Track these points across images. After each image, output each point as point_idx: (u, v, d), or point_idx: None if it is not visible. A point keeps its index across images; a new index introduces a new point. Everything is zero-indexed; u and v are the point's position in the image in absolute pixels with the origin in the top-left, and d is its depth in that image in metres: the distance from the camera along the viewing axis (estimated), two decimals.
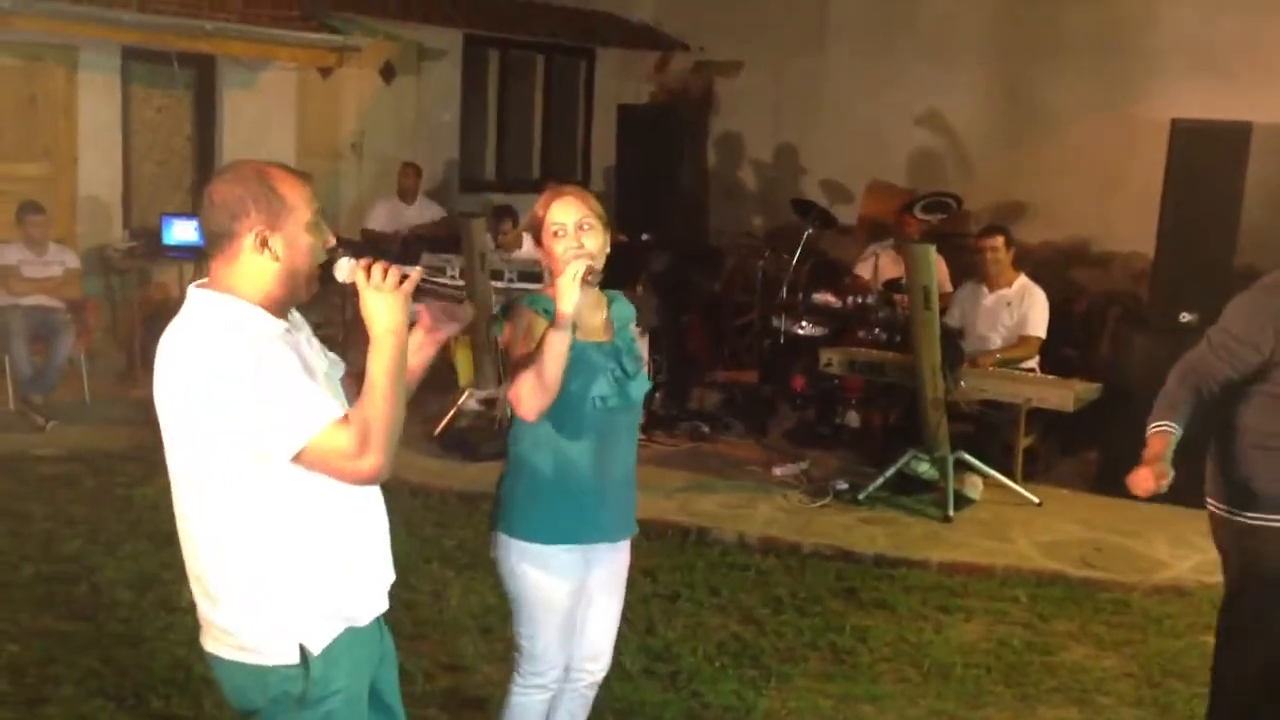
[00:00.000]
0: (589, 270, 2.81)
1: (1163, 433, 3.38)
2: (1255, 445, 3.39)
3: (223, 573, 2.26)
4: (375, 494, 2.42)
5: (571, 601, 3.09)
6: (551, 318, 2.81)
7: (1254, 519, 3.39)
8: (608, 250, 3.03)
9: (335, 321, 8.38)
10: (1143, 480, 3.33)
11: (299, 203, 2.24)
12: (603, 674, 3.29)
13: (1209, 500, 3.53)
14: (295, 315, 2.35)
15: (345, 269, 2.25)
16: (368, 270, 2.21)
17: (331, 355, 2.43)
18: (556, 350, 2.78)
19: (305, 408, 2.13)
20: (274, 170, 2.25)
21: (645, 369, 3.21)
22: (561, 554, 3.04)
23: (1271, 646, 3.41)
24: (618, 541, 3.17)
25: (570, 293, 2.77)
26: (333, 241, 2.31)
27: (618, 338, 3.08)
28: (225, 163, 9.29)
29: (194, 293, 2.26)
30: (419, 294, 2.28)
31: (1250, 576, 3.44)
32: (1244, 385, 3.39)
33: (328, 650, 2.28)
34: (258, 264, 2.22)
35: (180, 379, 2.18)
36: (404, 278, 2.22)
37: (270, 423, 2.12)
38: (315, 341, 2.37)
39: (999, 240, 7.07)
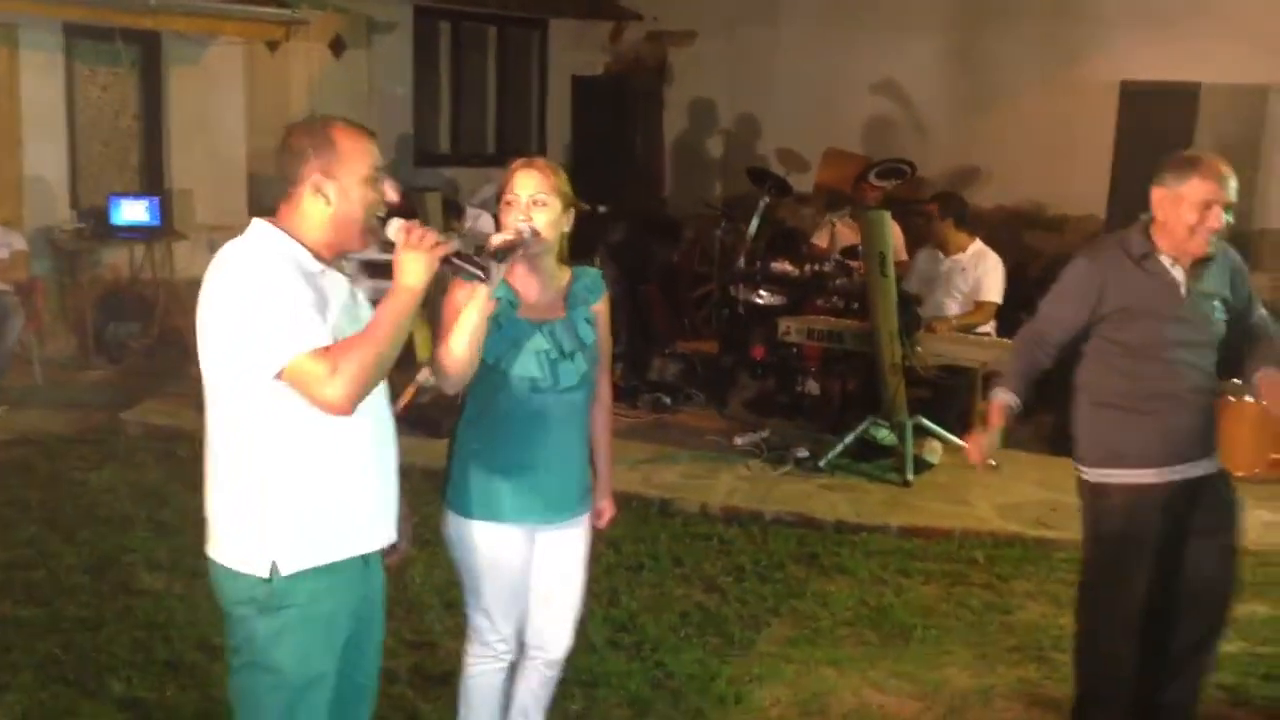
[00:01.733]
0: (507, 244, 2.78)
1: (1001, 403, 3.55)
2: (1094, 402, 3.53)
3: (218, 482, 2.50)
4: (378, 439, 2.56)
5: (512, 577, 3.09)
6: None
7: (1099, 473, 3.51)
8: (566, 228, 3.01)
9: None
10: (974, 450, 3.59)
11: (357, 156, 2.45)
12: (560, 655, 3.27)
13: (1072, 460, 3.64)
14: (349, 266, 2.56)
15: (394, 227, 2.45)
16: (408, 231, 2.41)
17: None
18: (466, 322, 2.74)
19: (294, 330, 2.32)
20: (340, 125, 2.48)
21: (605, 349, 3.17)
22: (495, 528, 3.03)
23: (1126, 596, 3.51)
24: (560, 523, 3.13)
25: (490, 263, 2.72)
26: (393, 197, 2.51)
27: (569, 316, 3.04)
28: (172, 141, 9.22)
29: (255, 221, 2.49)
30: (445, 265, 2.46)
31: (1099, 530, 3.56)
32: (1078, 346, 3.53)
33: (296, 575, 2.45)
34: (314, 208, 2.45)
35: (206, 291, 2.40)
36: (438, 244, 2.41)
37: (261, 337, 2.32)
38: (360, 294, 2.56)
39: (932, 208, 7.16)
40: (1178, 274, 3.43)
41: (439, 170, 10.80)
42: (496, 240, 2.80)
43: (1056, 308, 3.57)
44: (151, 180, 9.26)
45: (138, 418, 6.85)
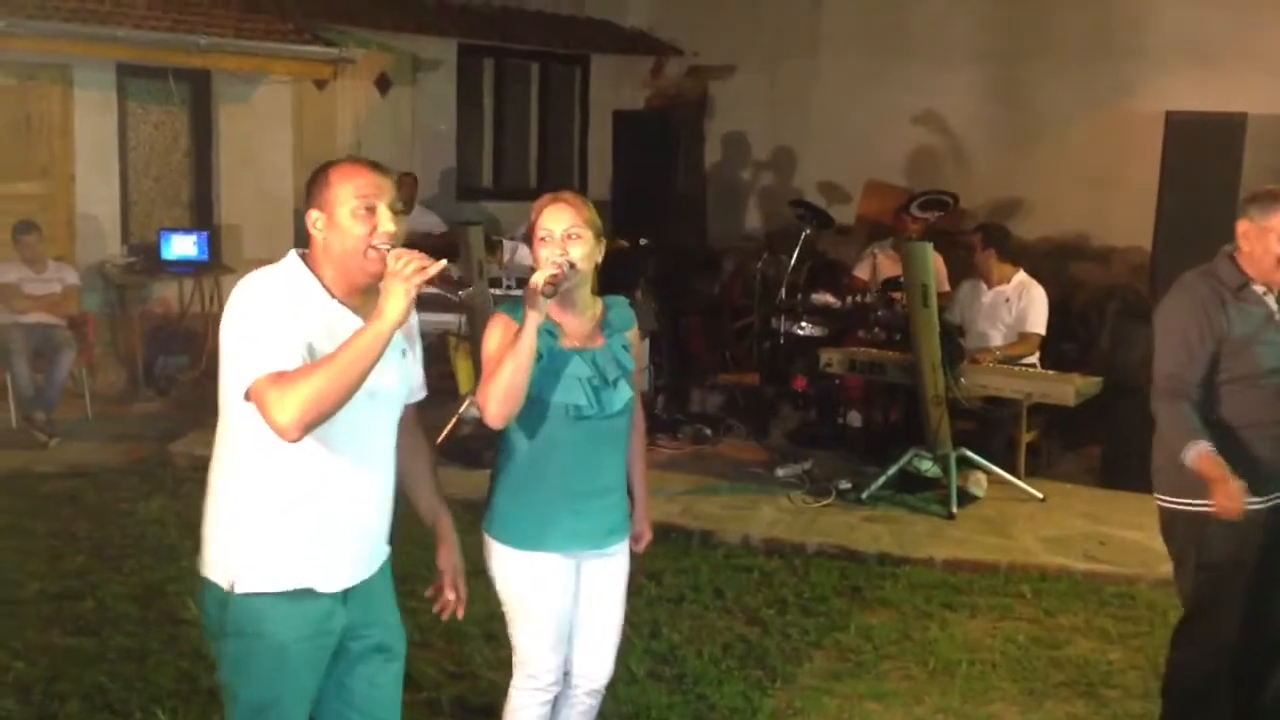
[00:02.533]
0: (552, 279, 2.81)
1: (1206, 453, 3.38)
2: (1211, 435, 3.44)
3: (210, 495, 2.58)
4: (359, 477, 2.55)
5: (559, 607, 3.08)
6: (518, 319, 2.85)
7: (1200, 504, 3.45)
8: (598, 259, 3.03)
9: None
10: (1233, 498, 3.35)
11: (344, 192, 2.48)
12: (603, 683, 3.26)
13: (1156, 496, 3.60)
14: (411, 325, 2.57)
15: (391, 258, 2.43)
16: (396, 258, 2.39)
17: (408, 363, 2.67)
18: (516, 357, 2.81)
19: (265, 353, 2.36)
20: (340, 163, 2.54)
21: (637, 377, 3.18)
22: (544, 560, 3.04)
23: (1227, 625, 3.50)
24: (605, 549, 3.14)
25: (533, 301, 2.79)
26: (387, 228, 2.47)
27: (607, 344, 3.07)
28: (222, 177, 9.38)
29: (290, 253, 2.56)
30: (429, 288, 2.42)
31: (1203, 560, 3.52)
32: (1213, 377, 3.49)
33: (252, 596, 2.49)
34: (316, 242, 2.52)
35: (225, 311, 2.48)
36: (423, 268, 2.36)
37: (242, 358, 2.38)
38: (395, 353, 2.52)
39: (975, 239, 7.12)
40: (1270, 302, 3.51)
41: (481, 204, 10.90)
42: (540, 277, 2.82)
43: (1181, 349, 3.49)
44: (201, 216, 9.41)
45: (185, 449, 6.94)
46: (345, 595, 2.59)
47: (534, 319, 2.82)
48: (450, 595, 2.86)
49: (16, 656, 4.37)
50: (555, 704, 3.23)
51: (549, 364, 2.96)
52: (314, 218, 2.50)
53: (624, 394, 3.05)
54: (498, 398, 2.84)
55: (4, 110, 8.34)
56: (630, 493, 3.26)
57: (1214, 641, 3.54)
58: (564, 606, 3.09)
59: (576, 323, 3.05)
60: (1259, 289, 3.51)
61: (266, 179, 9.40)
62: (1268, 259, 3.45)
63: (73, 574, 5.23)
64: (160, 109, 9.19)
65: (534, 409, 2.96)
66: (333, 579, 2.56)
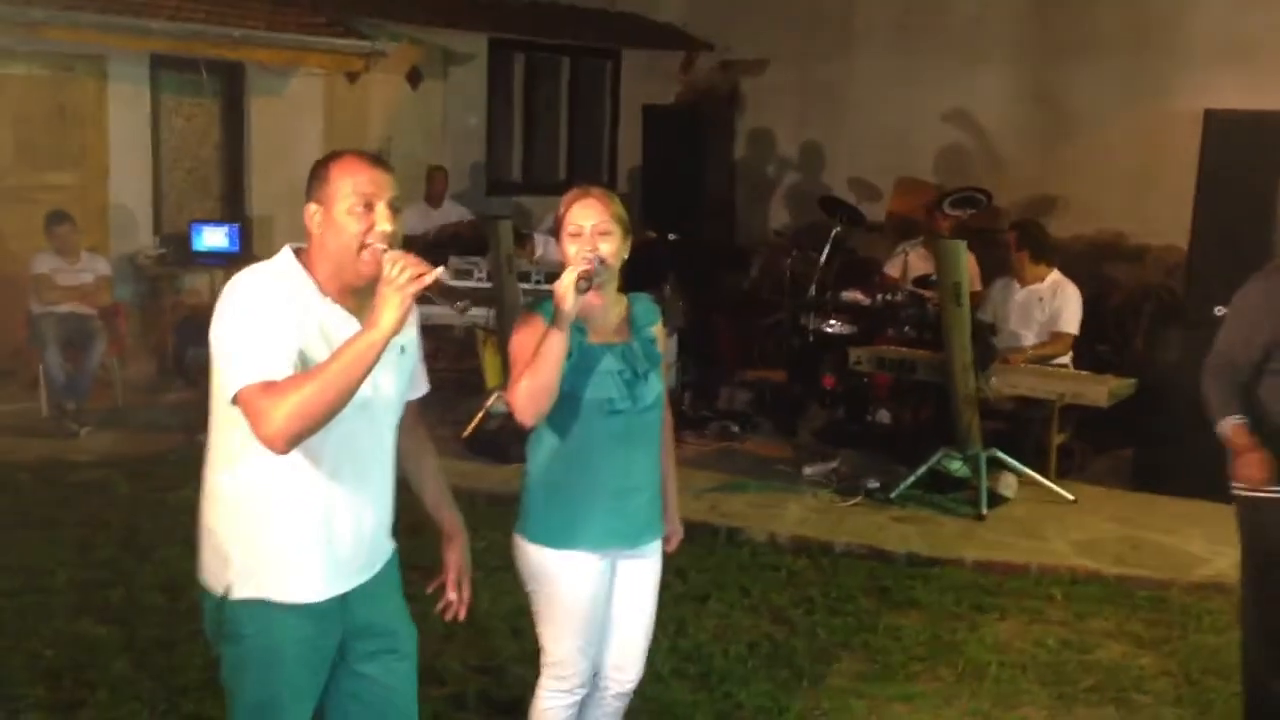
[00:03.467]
0: (585, 274, 2.80)
1: (1237, 424, 3.46)
2: (1256, 421, 3.48)
3: (205, 501, 2.53)
4: (356, 486, 2.50)
5: (591, 606, 3.06)
6: (549, 317, 2.83)
7: (1260, 492, 3.47)
8: (625, 255, 3.01)
9: None
10: (1254, 466, 3.41)
11: (342, 188, 2.42)
12: (632, 684, 3.23)
13: (1232, 483, 3.59)
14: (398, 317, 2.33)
15: (388, 261, 2.36)
16: (392, 263, 2.31)
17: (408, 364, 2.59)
18: (548, 354, 2.80)
19: (254, 360, 2.30)
20: (342, 155, 2.48)
21: (665, 371, 3.17)
22: (577, 558, 3.02)
23: (1273, 616, 3.52)
24: (639, 547, 3.12)
25: (566, 297, 2.78)
26: (384, 227, 2.40)
27: (634, 339, 3.05)
28: (253, 170, 9.42)
29: (284, 249, 2.51)
30: (423, 298, 2.34)
31: (1253, 546, 3.54)
32: (1264, 365, 3.50)
33: (247, 602, 2.46)
34: (313, 237, 2.47)
35: (216, 310, 2.41)
36: (419, 275, 2.28)
37: (231, 360, 2.33)
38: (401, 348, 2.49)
39: (1010, 236, 7.05)
40: None
41: (511, 198, 10.91)
42: (571, 275, 2.80)
43: (1241, 331, 3.55)
44: (232, 208, 9.47)
45: None
46: (345, 598, 2.54)
47: (565, 317, 2.80)
48: (453, 595, 2.81)
49: (47, 644, 4.40)
50: (583, 704, 3.21)
51: (579, 360, 2.94)
52: (312, 211, 2.44)
53: (655, 387, 3.03)
54: (529, 397, 2.82)
55: (39, 101, 8.41)
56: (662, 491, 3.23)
57: (1269, 628, 3.53)
58: (597, 607, 3.07)
59: (604, 319, 3.03)
60: None
61: (298, 171, 9.23)
62: None
63: (102, 563, 5.26)
64: (192, 101, 9.25)
65: (566, 405, 2.94)
66: (329, 585, 2.51)
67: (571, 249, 2.94)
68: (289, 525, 2.46)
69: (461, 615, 2.83)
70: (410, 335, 2.58)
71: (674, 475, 3.27)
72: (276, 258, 2.48)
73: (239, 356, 2.31)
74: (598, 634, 3.11)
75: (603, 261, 2.90)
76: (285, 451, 2.29)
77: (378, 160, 2.49)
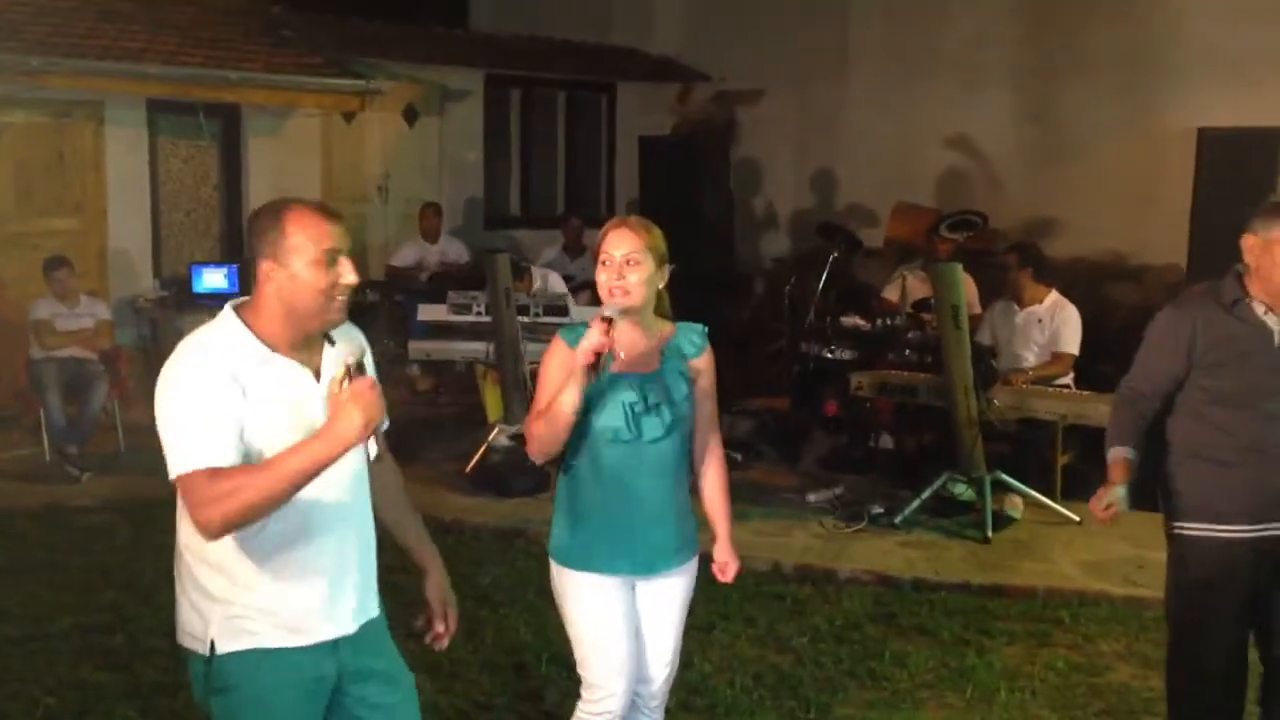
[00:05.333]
0: (596, 360, 2.79)
1: (1118, 457, 3.43)
2: (1184, 454, 3.45)
3: (178, 561, 2.50)
4: (338, 528, 2.49)
5: (608, 629, 3.06)
6: (576, 345, 2.86)
7: (1188, 526, 3.44)
8: (661, 284, 3.03)
9: None
10: (1098, 503, 3.45)
11: (304, 240, 2.37)
12: (654, 704, 3.22)
13: (1171, 521, 3.55)
14: (332, 350, 2.46)
15: (338, 354, 2.42)
16: (351, 378, 2.31)
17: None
18: (559, 411, 2.86)
19: (198, 444, 2.29)
20: (293, 208, 2.40)
21: (707, 404, 3.14)
22: (591, 580, 3.04)
23: (1211, 654, 3.43)
24: (656, 575, 3.12)
25: (587, 341, 2.79)
26: (350, 280, 2.41)
27: (662, 369, 3.04)
28: (252, 209, 9.43)
29: (225, 309, 2.46)
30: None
31: (1182, 583, 3.49)
32: (1172, 399, 3.45)
33: (234, 655, 2.43)
34: (267, 294, 2.41)
35: (159, 378, 2.39)
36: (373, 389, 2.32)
37: (175, 442, 2.32)
38: (322, 384, 2.43)
39: (1010, 258, 7.03)
40: (1271, 322, 3.33)
41: (509, 232, 10.94)
42: (585, 351, 2.80)
43: (1152, 360, 3.49)
44: (232, 249, 9.49)
45: None
46: (335, 644, 2.51)
47: (575, 385, 2.83)
48: (440, 628, 2.78)
49: (48, 691, 4.36)
50: None
51: (596, 387, 2.95)
52: (267, 269, 2.37)
53: (665, 420, 3.01)
54: (538, 442, 2.94)
55: (38, 147, 8.46)
56: (711, 521, 3.25)
57: (1197, 668, 3.47)
58: (617, 628, 3.07)
59: (634, 347, 3.03)
60: (1259, 307, 3.32)
61: None
62: (1274, 274, 3.27)
63: (104, 608, 5.24)
64: (190, 144, 9.30)
65: (580, 430, 2.97)
66: (315, 631, 2.48)
67: (601, 277, 2.98)
68: (271, 576, 2.42)
69: (443, 645, 2.81)
70: (369, 367, 2.53)
71: (725, 506, 3.26)
72: (217, 320, 2.43)
73: (181, 440, 2.29)
74: (625, 657, 3.09)
75: (620, 310, 2.91)
76: (214, 539, 2.30)
77: (327, 209, 2.46)
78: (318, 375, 2.46)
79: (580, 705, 3.14)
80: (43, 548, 6.04)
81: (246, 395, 2.34)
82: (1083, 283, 8.70)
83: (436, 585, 2.79)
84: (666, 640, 3.19)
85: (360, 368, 2.36)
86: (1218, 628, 3.38)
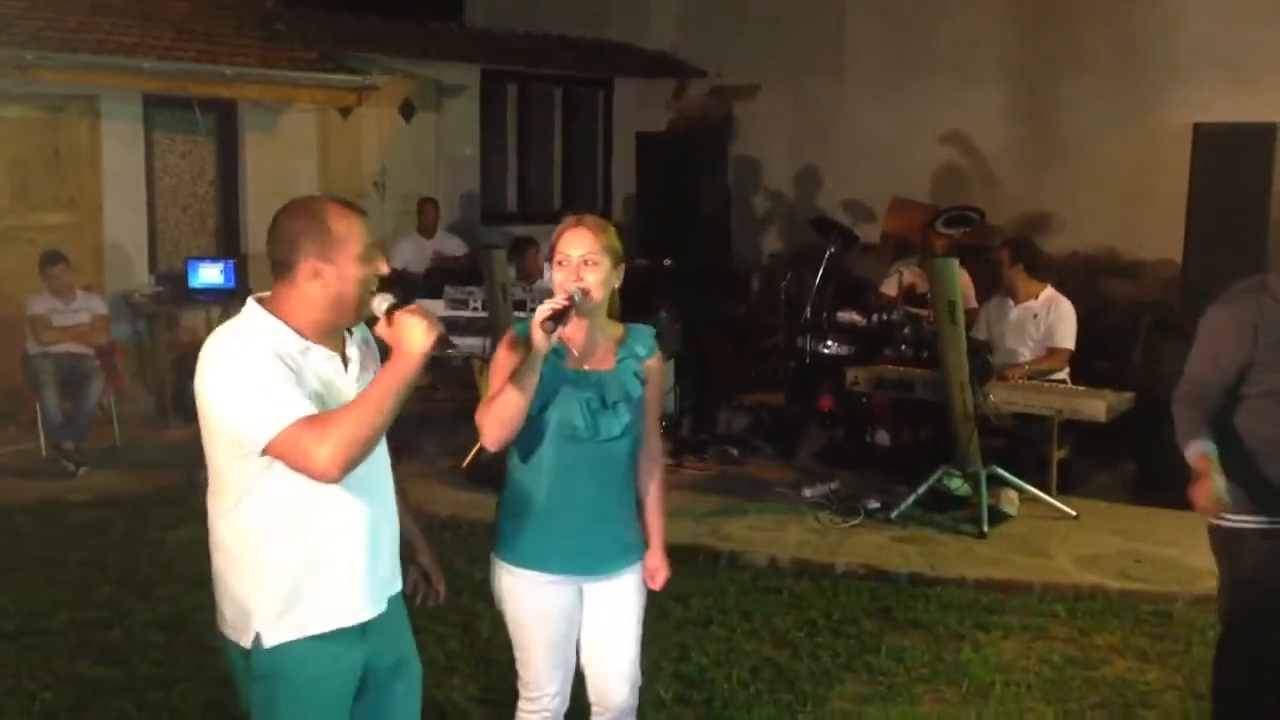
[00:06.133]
0: (552, 315, 2.77)
1: (1199, 451, 3.33)
2: (1232, 448, 3.38)
3: (216, 554, 2.54)
4: (372, 513, 2.55)
5: (555, 629, 3.05)
6: (527, 338, 2.83)
7: (1235, 520, 3.39)
8: (615, 285, 3.02)
9: None
10: (1202, 496, 3.26)
11: (349, 236, 2.46)
12: (618, 709, 3.17)
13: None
14: (350, 337, 2.57)
15: (378, 301, 2.48)
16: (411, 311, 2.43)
17: (367, 377, 2.59)
18: (513, 390, 2.82)
19: (276, 405, 2.34)
20: (330, 205, 2.49)
21: (657, 402, 3.14)
22: (536, 579, 3.02)
23: (1263, 648, 3.41)
24: (605, 576, 3.10)
25: (534, 336, 2.78)
26: (385, 270, 2.53)
27: (617, 368, 3.04)
28: (248, 206, 9.44)
29: (249, 302, 2.52)
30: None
31: (1235, 578, 3.46)
32: (1235, 392, 3.42)
33: (282, 644, 2.48)
34: (310, 291, 2.46)
35: (202, 372, 2.43)
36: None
37: (246, 415, 2.35)
38: (354, 367, 2.57)
39: (1002, 254, 7.04)
40: None
41: (506, 228, 10.93)
42: (546, 309, 2.81)
43: (1218, 353, 3.44)
44: (228, 244, 9.49)
45: None
46: (365, 627, 2.57)
47: (534, 355, 2.81)
48: (438, 586, 2.88)
49: (44, 686, 4.37)
50: None
51: (550, 383, 2.94)
52: (312, 266, 2.44)
53: (622, 419, 3.00)
54: (492, 425, 2.86)
55: (33, 142, 8.45)
56: (645, 524, 3.21)
57: (1248, 662, 3.46)
58: (557, 627, 3.06)
59: (588, 345, 3.03)
60: None
61: None
62: None
63: (101, 603, 5.24)
64: (186, 139, 9.28)
65: (532, 428, 2.95)
66: (357, 613, 2.56)
67: (558, 277, 2.96)
68: (321, 561, 2.49)
69: (441, 595, 2.90)
70: (372, 353, 2.65)
71: (660, 509, 3.22)
72: (246, 314, 2.49)
73: (259, 409, 2.34)
74: (564, 657, 3.09)
75: (585, 294, 2.91)
76: (339, 479, 2.35)
77: (355, 205, 2.55)
78: (345, 363, 2.55)
79: (519, 706, 3.15)
80: (39, 543, 6.04)
81: (300, 377, 2.42)
82: (1078, 278, 8.71)
83: (425, 554, 2.87)
84: (626, 650, 3.14)
85: (397, 304, 2.44)
86: (1269, 623, 3.37)
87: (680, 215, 9.79)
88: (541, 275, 8.22)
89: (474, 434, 7.72)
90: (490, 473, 6.88)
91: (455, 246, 9.95)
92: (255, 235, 9.49)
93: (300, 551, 2.48)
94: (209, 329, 9.94)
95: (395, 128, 10.39)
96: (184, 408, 8.68)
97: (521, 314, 7.19)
